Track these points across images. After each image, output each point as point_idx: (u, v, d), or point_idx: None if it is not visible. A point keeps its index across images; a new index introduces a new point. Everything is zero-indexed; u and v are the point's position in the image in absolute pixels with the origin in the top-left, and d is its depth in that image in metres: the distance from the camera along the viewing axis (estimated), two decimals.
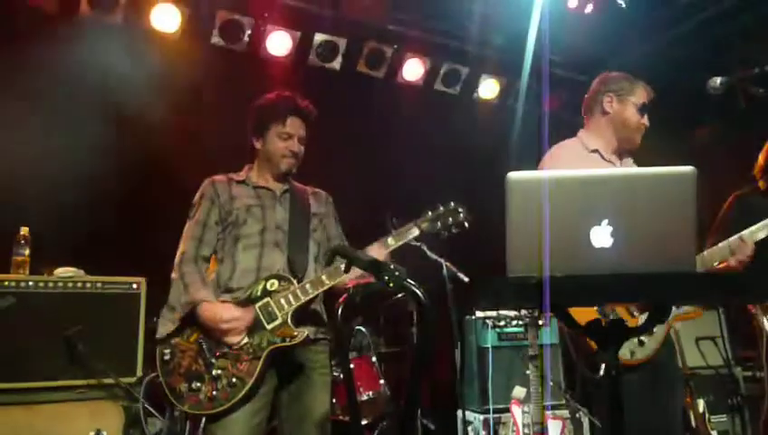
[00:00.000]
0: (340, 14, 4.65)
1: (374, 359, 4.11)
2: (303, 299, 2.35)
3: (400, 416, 2.34)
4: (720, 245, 2.37)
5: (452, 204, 2.58)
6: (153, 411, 3.18)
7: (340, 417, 3.79)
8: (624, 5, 4.59)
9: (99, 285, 3.23)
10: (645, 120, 2.56)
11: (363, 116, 5.02)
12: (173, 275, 2.41)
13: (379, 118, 5.06)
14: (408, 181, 4.98)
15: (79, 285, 3.19)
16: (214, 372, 2.25)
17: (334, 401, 3.84)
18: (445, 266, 3.36)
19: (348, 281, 2.35)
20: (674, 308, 2.35)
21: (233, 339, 2.28)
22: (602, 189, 1.51)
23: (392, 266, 1.49)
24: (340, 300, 1.81)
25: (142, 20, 4.30)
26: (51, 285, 3.13)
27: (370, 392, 3.90)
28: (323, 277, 2.37)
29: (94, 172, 3.85)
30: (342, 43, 4.79)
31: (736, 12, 4.69)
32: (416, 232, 2.50)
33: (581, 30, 5.09)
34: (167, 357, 2.30)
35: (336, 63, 4.85)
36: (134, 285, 3.30)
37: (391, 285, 1.44)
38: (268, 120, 2.55)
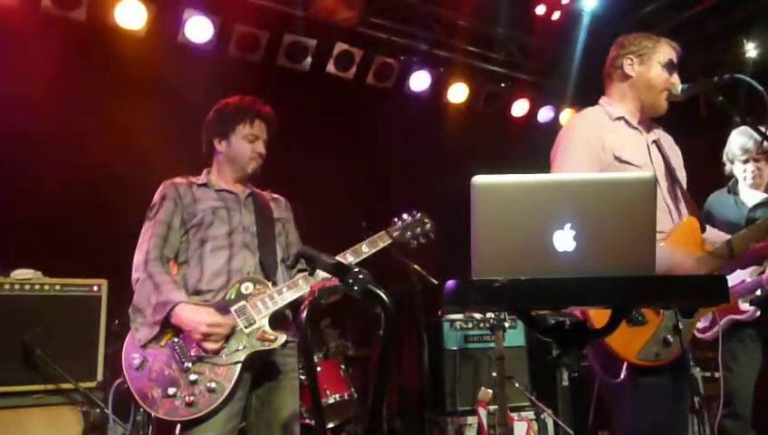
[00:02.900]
0: (309, 15, 4.64)
1: (341, 362, 4.09)
2: (281, 303, 2.33)
3: (367, 419, 2.32)
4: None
5: (418, 214, 2.60)
6: (115, 418, 3.10)
7: (306, 420, 3.76)
8: (587, 12, 4.68)
9: (58, 287, 3.15)
10: (675, 79, 2.33)
11: (335, 118, 5.02)
12: (137, 275, 2.32)
13: (349, 120, 5.06)
14: (379, 185, 4.99)
15: (37, 287, 3.10)
16: (190, 377, 2.19)
17: (300, 403, 3.81)
18: (413, 269, 3.38)
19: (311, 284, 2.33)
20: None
21: (213, 345, 2.22)
22: (565, 194, 1.53)
23: (356, 270, 1.49)
24: (306, 303, 1.80)
25: (106, 17, 4.21)
26: (7, 287, 3.05)
27: (337, 395, 3.88)
28: (300, 281, 2.34)
29: (53, 171, 3.76)
30: (312, 44, 4.78)
31: (699, 21, 4.83)
32: (388, 241, 2.50)
33: (548, 36, 5.19)
34: (136, 362, 2.21)
35: (305, 65, 4.83)
36: (95, 287, 3.22)
37: (355, 288, 1.44)
38: (234, 121, 2.52)
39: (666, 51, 2.35)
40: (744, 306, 3.16)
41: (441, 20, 5.15)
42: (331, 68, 4.95)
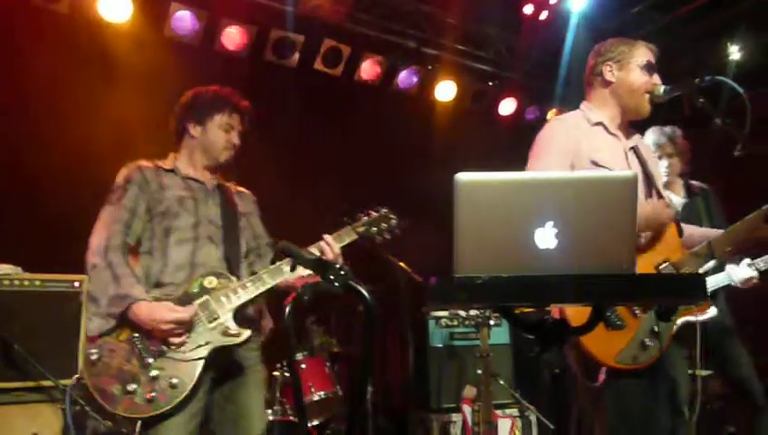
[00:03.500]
0: (298, 10, 4.62)
1: (326, 359, 4.09)
2: (245, 298, 2.28)
3: (349, 416, 2.31)
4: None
5: (384, 210, 2.57)
6: (95, 415, 3.07)
7: (291, 417, 3.76)
8: (574, 13, 4.70)
9: (37, 283, 3.11)
10: (655, 79, 2.36)
11: (321, 113, 5.01)
12: (95, 260, 2.22)
13: (335, 116, 5.04)
14: (365, 181, 4.98)
15: (16, 283, 3.06)
16: (151, 373, 2.13)
17: (284, 400, 3.80)
18: (398, 267, 3.38)
19: (294, 280, 2.30)
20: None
21: (174, 340, 2.18)
22: (547, 192, 1.54)
23: (338, 266, 1.48)
24: (289, 299, 1.78)
25: (90, 9, 4.16)
26: None
27: (322, 393, 3.87)
28: (265, 276, 2.30)
29: (35, 165, 3.71)
30: (300, 40, 4.76)
31: (684, 23, 4.88)
32: (354, 236, 2.47)
33: (535, 36, 5.21)
34: (93, 357, 2.14)
35: (293, 60, 4.81)
36: (75, 284, 3.18)
37: (336, 284, 1.43)
38: (212, 109, 2.47)
39: (643, 53, 2.38)
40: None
41: (430, 18, 5.15)
42: (318, 64, 4.93)
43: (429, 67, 5.25)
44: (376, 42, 5.03)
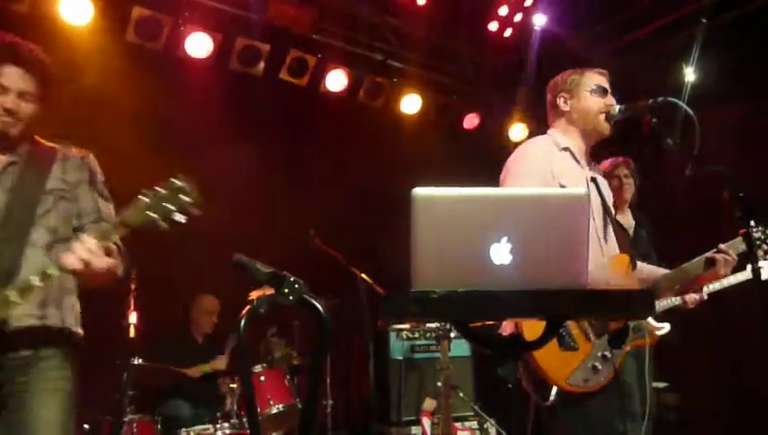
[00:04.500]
0: (264, 19, 4.60)
1: (286, 371, 4.04)
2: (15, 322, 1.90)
3: (299, 429, 2.26)
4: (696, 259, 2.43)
5: (178, 182, 1.83)
6: None
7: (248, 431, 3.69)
8: (538, 29, 4.81)
9: None
10: (609, 99, 2.45)
11: (286, 123, 4.99)
12: None
13: (300, 126, 5.03)
14: (328, 191, 4.97)
15: None
16: None
17: (242, 414, 3.74)
18: (360, 279, 3.37)
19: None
20: (631, 333, 2.33)
21: None
22: (503, 208, 1.56)
23: (292, 279, 1.46)
24: (243, 311, 1.76)
25: (50, 10, 4.07)
26: None
27: (281, 405, 3.83)
28: (35, 280, 1.84)
29: None
30: (266, 49, 4.74)
31: (642, 44, 5.03)
32: (124, 231, 1.86)
33: (500, 52, 5.31)
34: None
35: (258, 69, 4.78)
36: None
37: (291, 298, 1.42)
38: None
39: (592, 78, 2.48)
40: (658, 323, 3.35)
41: (396, 31, 5.19)
42: (284, 74, 4.91)
43: (395, 80, 5.28)
44: (342, 53, 5.04)
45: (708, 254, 2.40)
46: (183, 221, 1.80)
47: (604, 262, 2.39)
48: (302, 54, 4.87)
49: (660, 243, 3.65)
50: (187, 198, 1.82)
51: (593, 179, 2.49)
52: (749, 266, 3.39)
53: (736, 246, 2.37)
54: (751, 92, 4.79)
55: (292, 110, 5.06)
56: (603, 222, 2.47)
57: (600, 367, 2.19)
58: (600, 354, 2.21)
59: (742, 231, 2.16)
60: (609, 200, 2.56)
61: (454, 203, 1.53)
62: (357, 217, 4.91)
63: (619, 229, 2.55)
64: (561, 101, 2.50)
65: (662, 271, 2.51)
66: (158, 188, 1.82)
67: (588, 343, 2.22)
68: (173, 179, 1.82)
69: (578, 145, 2.49)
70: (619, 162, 3.67)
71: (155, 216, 1.79)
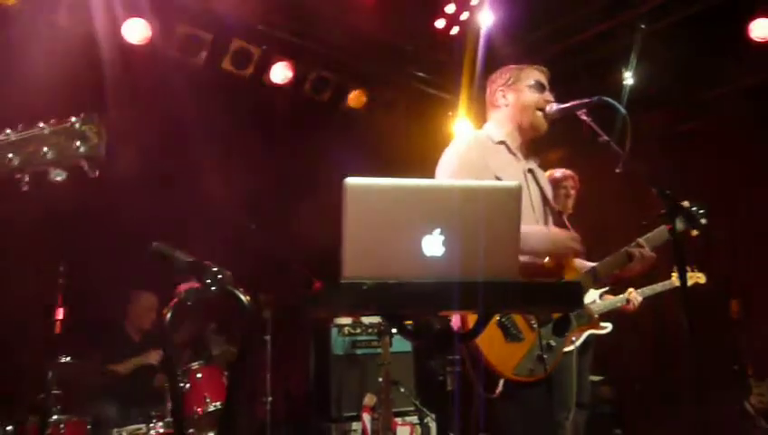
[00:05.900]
0: (207, 7, 4.47)
1: (224, 368, 3.95)
2: None
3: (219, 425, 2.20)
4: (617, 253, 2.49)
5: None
6: None
7: (192, 431, 3.61)
8: (484, 28, 4.86)
9: None
10: (547, 96, 2.47)
11: (229, 115, 4.87)
12: None
13: (244, 117, 4.92)
14: (272, 182, 4.89)
15: None
16: None
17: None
18: (298, 271, 3.32)
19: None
20: (574, 321, 2.36)
21: None
22: (436, 199, 1.55)
23: (215, 269, 1.41)
24: (170, 304, 1.69)
25: None
26: None
27: (218, 403, 3.73)
28: None
29: None
30: (208, 38, 4.61)
31: (582, 49, 5.17)
32: None
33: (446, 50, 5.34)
34: None
35: (200, 58, 4.65)
36: None
37: (214, 289, 1.37)
38: None
39: (531, 74, 2.52)
40: (605, 323, 3.60)
41: (342, 26, 5.14)
42: (227, 64, 4.79)
43: (339, 74, 5.24)
44: (288, 46, 4.96)
45: (628, 247, 2.47)
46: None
47: (545, 229, 2.44)
48: (246, 45, 4.77)
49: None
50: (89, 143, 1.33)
51: (530, 171, 2.51)
52: (673, 275, 3.71)
53: (653, 240, 2.47)
54: (678, 98, 5.02)
55: (235, 101, 4.94)
56: (543, 212, 2.50)
57: (545, 356, 2.22)
58: (545, 343, 2.25)
59: (668, 227, 2.22)
60: (548, 192, 2.59)
61: (386, 193, 1.51)
62: (304, 209, 4.83)
63: (559, 219, 2.60)
64: (499, 96, 2.52)
65: (589, 264, 2.55)
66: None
67: (532, 333, 2.24)
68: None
69: (514, 138, 2.51)
70: (568, 175, 3.89)
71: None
